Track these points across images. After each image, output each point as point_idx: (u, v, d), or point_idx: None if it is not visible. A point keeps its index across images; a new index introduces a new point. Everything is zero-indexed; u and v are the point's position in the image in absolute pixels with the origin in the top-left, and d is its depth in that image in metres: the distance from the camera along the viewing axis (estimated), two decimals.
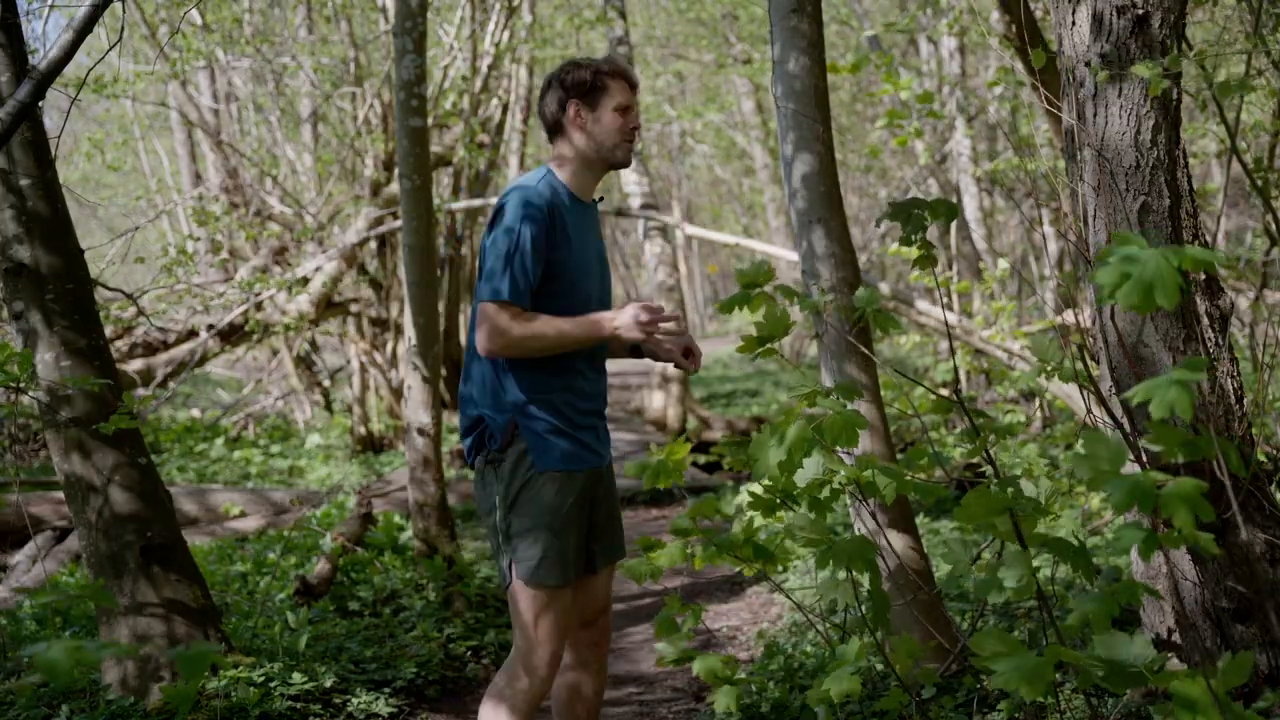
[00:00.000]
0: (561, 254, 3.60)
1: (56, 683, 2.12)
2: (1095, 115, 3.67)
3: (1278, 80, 7.59)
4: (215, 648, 2.24)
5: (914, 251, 3.45)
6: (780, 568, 4.04)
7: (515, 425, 3.62)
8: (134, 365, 11.53)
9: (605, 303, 3.81)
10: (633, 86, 3.70)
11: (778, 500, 3.50)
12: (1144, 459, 3.30)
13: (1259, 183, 5.34)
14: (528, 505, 3.60)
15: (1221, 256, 2.29)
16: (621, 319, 3.55)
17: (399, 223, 10.24)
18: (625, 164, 3.72)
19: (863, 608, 3.54)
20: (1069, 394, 8.21)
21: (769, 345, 3.56)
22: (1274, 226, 6.81)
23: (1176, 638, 3.74)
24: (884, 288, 10.61)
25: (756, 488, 3.53)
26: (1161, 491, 2.26)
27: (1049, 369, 3.44)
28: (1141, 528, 2.33)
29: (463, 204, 13.62)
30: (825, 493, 3.46)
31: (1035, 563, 2.94)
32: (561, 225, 3.61)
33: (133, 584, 4.98)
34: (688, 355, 3.84)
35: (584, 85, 3.65)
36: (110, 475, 4.95)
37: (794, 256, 5.60)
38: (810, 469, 3.35)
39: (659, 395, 15.08)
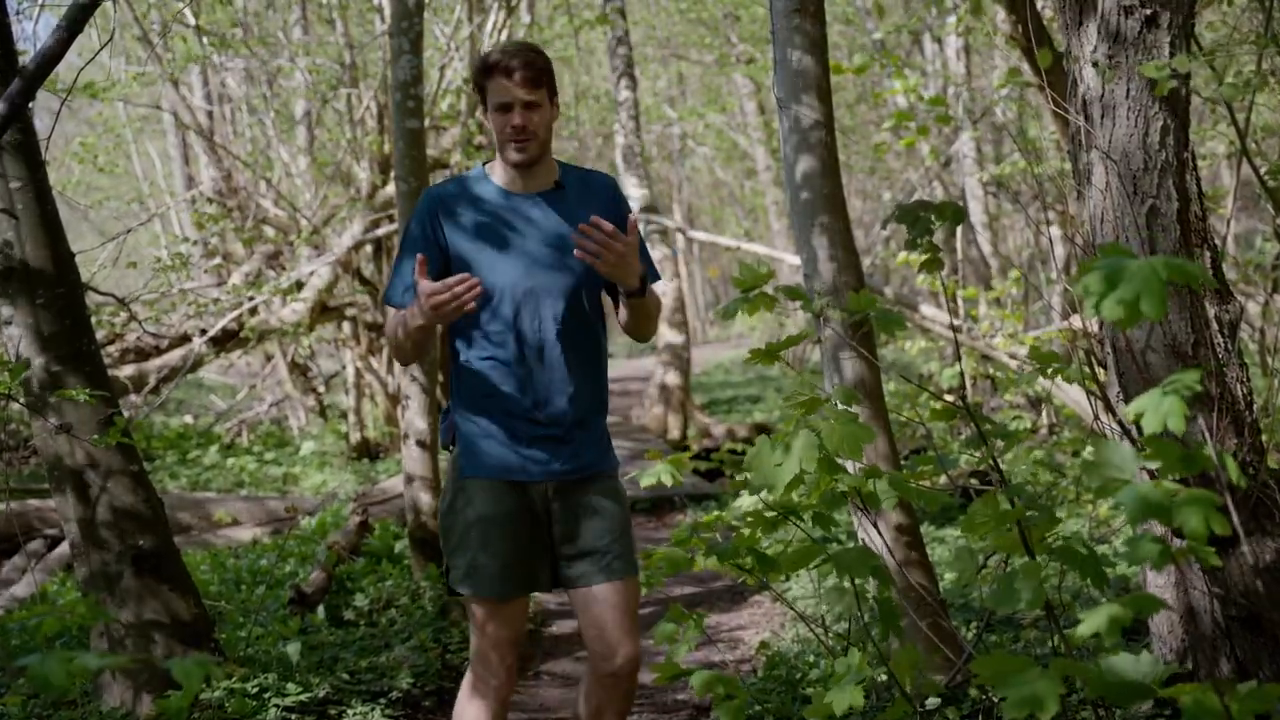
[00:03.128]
0: (461, 248, 3.53)
1: (48, 693, 2.12)
2: (1102, 117, 3.67)
3: None
4: (210, 658, 2.24)
5: (919, 258, 3.45)
6: (784, 576, 4.03)
7: (454, 425, 3.63)
8: (126, 370, 11.51)
9: (551, 306, 3.53)
10: (516, 80, 3.44)
11: (780, 515, 3.49)
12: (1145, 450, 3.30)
13: (1270, 185, 5.33)
14: (457, 510, 3.57)
15: (1200, 269, 2.29)
16: (419, 304, 3.35)
17: (395, 226, 10.25)
18: (517, 164, 3.53)
19: (865, 618, 3.53)
20: (1076, 400, 8.21)
21: (769, 350, 3.55)
22: None
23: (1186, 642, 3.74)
24: (888, 292, 10.61)
25: (749, 500, 3.54)
26: (1174, 502, 2.26)
27: (1050, 371, 3.44)
28: (1154, 539, 2.32)
29: None
30: (827, 502, 3.45)
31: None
32: (459, 217, 3.54)
33: (124, 594, 4.97)
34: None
35: (474, 84, 3.56)
36: (101, 483, 4.95)
37: (796, 260, 5.59)
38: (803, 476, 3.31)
39: (658, 402, 15.07)
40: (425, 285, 3.29)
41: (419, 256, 3.36)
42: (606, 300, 3.74)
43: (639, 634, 3.62)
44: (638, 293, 3.53)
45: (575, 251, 3.35)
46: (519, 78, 3.44)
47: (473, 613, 3.59)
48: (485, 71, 3.48)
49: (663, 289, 14.74)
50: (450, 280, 3.27)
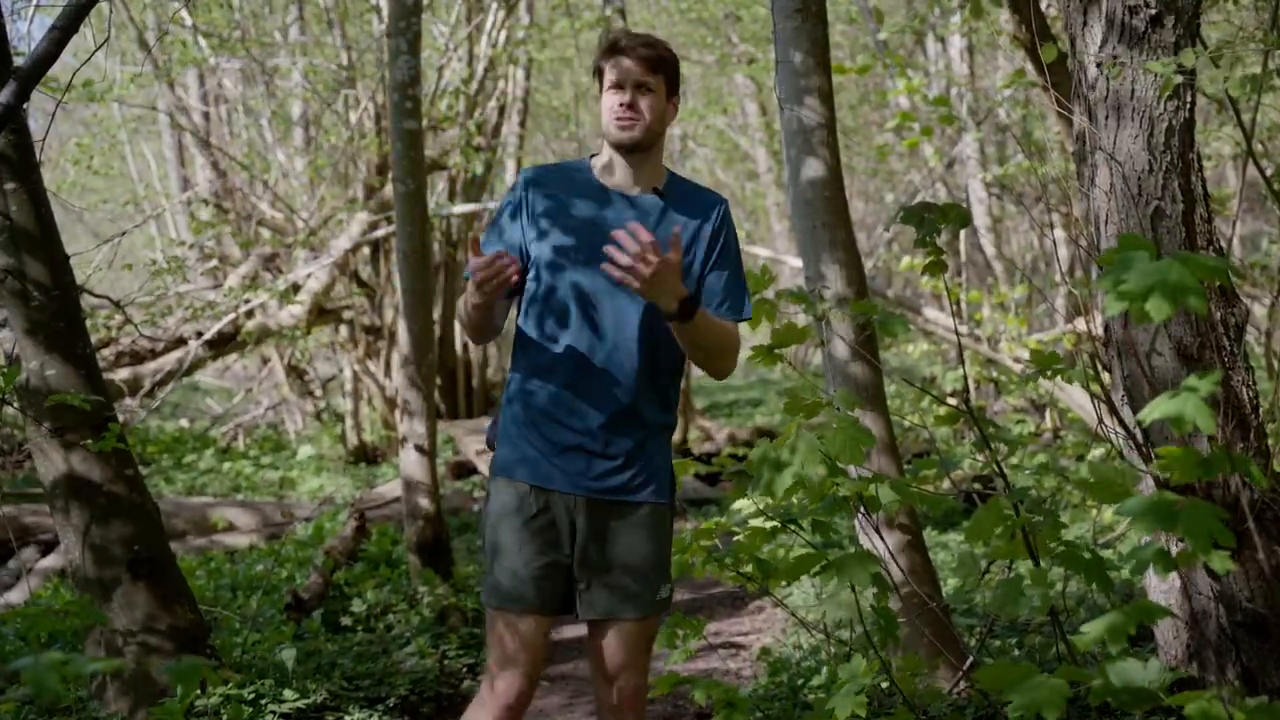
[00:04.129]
0: (540, 239, 3.44)
1: (43, 696, 2.11)
2: (1107, 118, 3.67)
3: None
4: (206, 662, 2.24)
5: (922, 262, 3.45)
6: (784, 582, 4.03)
7: (497, 423, 3.55)
8: (121, 374, 11.51)
9: (620, 316, 3.39)
10: (634, 59, 3.39)
11: (780, 523, 3.49)
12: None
13: (1276, 187, 5.34)
14: (486, 510, 3.48)
15: (1222, 264, 2.29)
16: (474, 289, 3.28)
17: (393, 228, 10.25)
18: (620, 144, 3.42)
19: (866, 624, 3.53)
20: (1080, 404, 8.21)
21: (771, 350, 3.55)
22: None
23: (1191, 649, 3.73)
24: (890, 294, 10.61)
25: (748, 505, 3.53)
26: (1179, 513, 2.26)
27: (1053, 373, 3.44)
28: (1158, 547, 2.33)
29: (459, 209, 13.62)
30: (829, 507, 3.45)
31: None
32: (543, 206, 3.45)
33: (120, 600, 4.96)
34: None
35: (594, 68, 3.51)
36: (97, 487, 4.94)
37: (798, 262, 5.59)
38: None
39: None
40: (475, 261, 3.22)
41: (472, 238, 3.29)
42: None
43: (648, 668, 3.49)
44: (677, 316, 3.27)
45: (601, 265, 3.20)
46: (638, 54, 3.40)
47: (488, 622, 3.45)
48: (606, 52, 3.45)
49: None
50: (490, 255, 3.21)
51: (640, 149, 3.45)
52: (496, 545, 3.39)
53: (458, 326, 14.84)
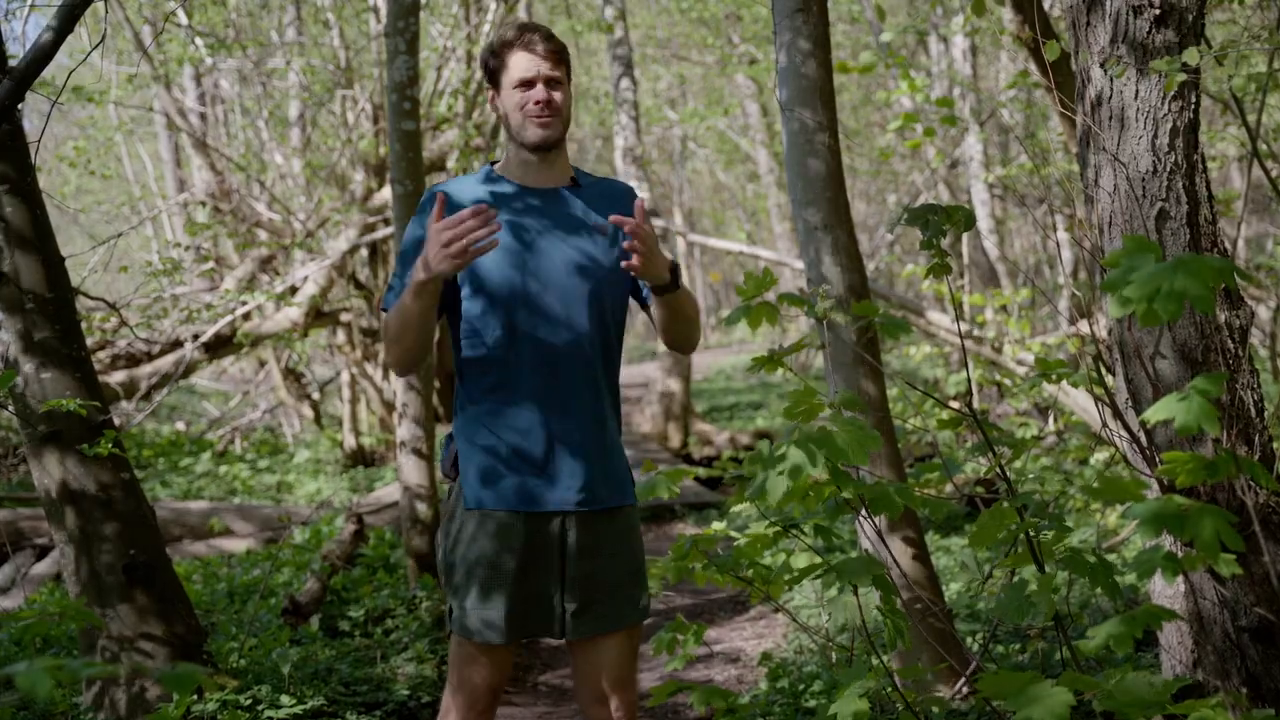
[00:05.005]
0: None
1: (37, 697, 2.11)
2: (1111, 118, 3.67)
3: None
4: (201, 668, 2.24)
5: (925, 266, 3.44)
6: (786, 588, 4.03)
7: (456, 452, 3.40)
8: (116, 377, 11.51)
9: (571, 313, 3.31)
10: (541, 53, 3.29)
11: (782, 528, 3.49)
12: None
13: None
14: (455, 543, 3.32)
15: (1229, 265, 2.30)
16: (425, 254, 3.08)
17: (391, 230, 10.25)
18: (536, 146, 3.31)
19: (869, 628, 3.53)
20: (1084, 407, 8.21)
21: (773, 357, 3.54)
22: None
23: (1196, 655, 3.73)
24: (892, 297, 10.61)
25: (747, 507, 3.52)
26: (1186, 517, 2.26)
27: (1056, 376, 3.44)
28: (1163, 551, 2.33)
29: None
30: (830, 511, 3.45)
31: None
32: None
33: (115, 604, 4.96)
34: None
35: (486, 68, 3.38)
36: (92, 491, 4.94)
37: (799, 264, 5.59)
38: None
39: (659, 409, 15.07)
40: (439, 224, 3.03)
41: (438, 195, 3.14)
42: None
43: (636, 680, 3.45)
44: (671, 286, 3.27)
45: (617, 257, 3.16)
46: (542, 50, 3.30)
47: (455, 650, 3.34)
48: (503, 48, 3.32)
49: None
50: (464, 213, 3.01)
51: (557, 146, 3.37)
52: (470, 581, 3.27)
53: None
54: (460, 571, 3.30)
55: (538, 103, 3.29)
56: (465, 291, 3.32)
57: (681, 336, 3.47)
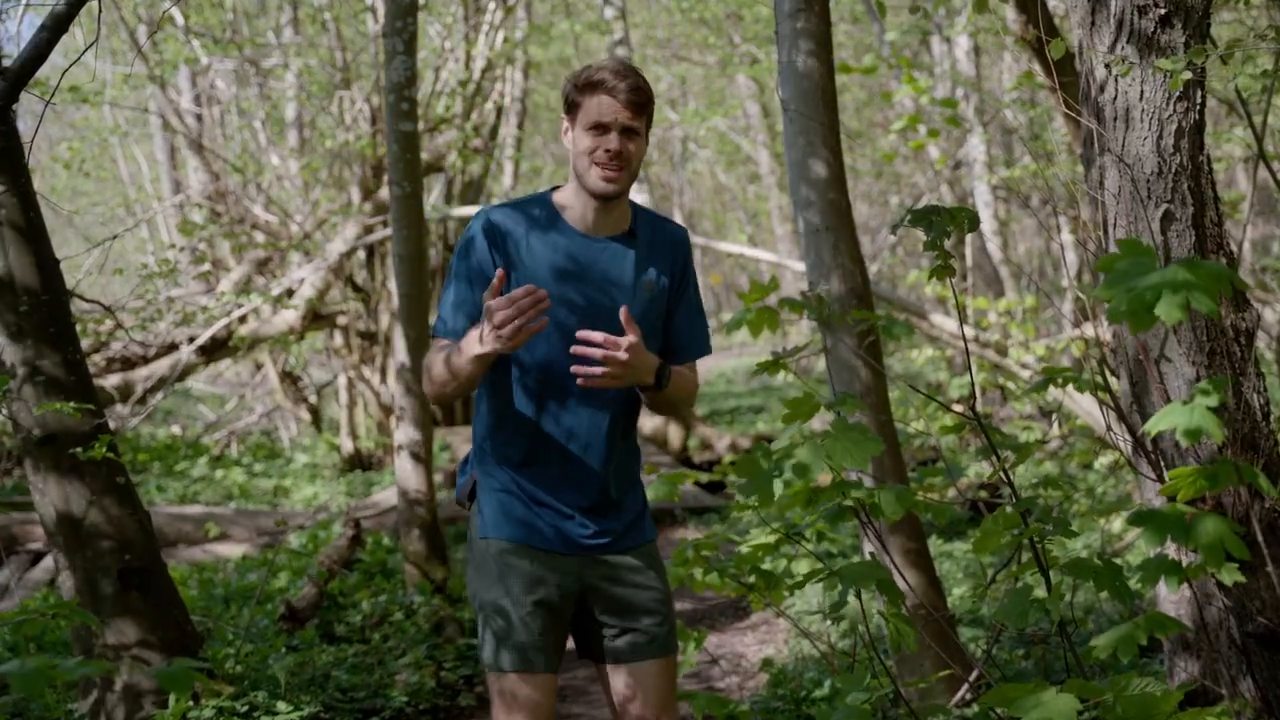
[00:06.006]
0: (511, 288, 3.16)
1: (31, 698, 2.12)
2: (1115, 119, 3.67)
3: None
4: (198, 663, 2.24)
5: (927, 270, 3.44)
6: (787, 593, 4.03)
7: (475, 481, 3.39)
8: (112, 380, 11.50)
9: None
10: (622, 100, 3.19)
11: (784, 534, 3.48)
12: (1166, 479, 3.29)
13: None
14: (477, 573, 3.32)
15: (1229, 272, 2.29)
16: (480, 331, 3.03)
17: (388, 231, 10.25)
18: (598, 194, 3.23)
19: (871, 633, 3.53)
20: (1088, 410, 8.21)
21: (778, 361, 3.54)
22: None
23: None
24: (894, 299, 10.60)
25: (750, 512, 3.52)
26: (1191, 525, 2.26)
27: (1061, 380, 3.43)
28: (1170, 558, 2.33)
29: (456, 212, 13.63)
30: (832, 517, 3.44)
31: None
32: (520, 251, 3.25)
33: (110, 609, 4.96)
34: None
35: (565, 97, 3.28)
36: (87, 496, 4.94)
37: (800, 267, 5.60)
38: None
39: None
40: (494, 302, 2.96)
41: (499, 272, 3.02)
42: None
43: (676, 708, 3.41)
44: (655, 387, 3.21)
45: (579, 378, 3.06)
46: (625, 99, 3.18)
47: (492, 685, 3.29)
48: (586, 87, 3.21)
49: None
50: (517, 293, 2.94)
51: (620, 197, 3.28)
52: (498, 611, 3.24)
53: None
54: (484, 599, 3.28)
55: (608, 151, 3.19)
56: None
57: (664, 414, 3.45)
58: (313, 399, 16.44)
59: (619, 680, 3.34)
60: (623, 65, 3.27)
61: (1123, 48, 3.63)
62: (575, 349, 3.02)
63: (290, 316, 12.72)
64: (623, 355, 3.04)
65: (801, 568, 4.74)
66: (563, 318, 3.21)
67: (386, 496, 10.07)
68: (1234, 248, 3.88)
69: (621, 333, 3.11)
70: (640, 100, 3.21)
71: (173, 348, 12.01)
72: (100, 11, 5.21)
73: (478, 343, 3.02)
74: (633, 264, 3.31)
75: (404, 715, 5.58)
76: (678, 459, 13.95)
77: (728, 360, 29.58)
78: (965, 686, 4.31)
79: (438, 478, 11.11)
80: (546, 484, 3.28)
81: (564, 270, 3.25)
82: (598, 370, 3.02)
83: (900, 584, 4.47)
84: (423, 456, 7.42)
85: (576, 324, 3.18)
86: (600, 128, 3.19)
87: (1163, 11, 3.58)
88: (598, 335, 3.00)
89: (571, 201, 3.31)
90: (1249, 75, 4.51)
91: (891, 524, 4.62)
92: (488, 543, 3.29)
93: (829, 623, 6.27)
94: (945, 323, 10.10)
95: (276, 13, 16.05)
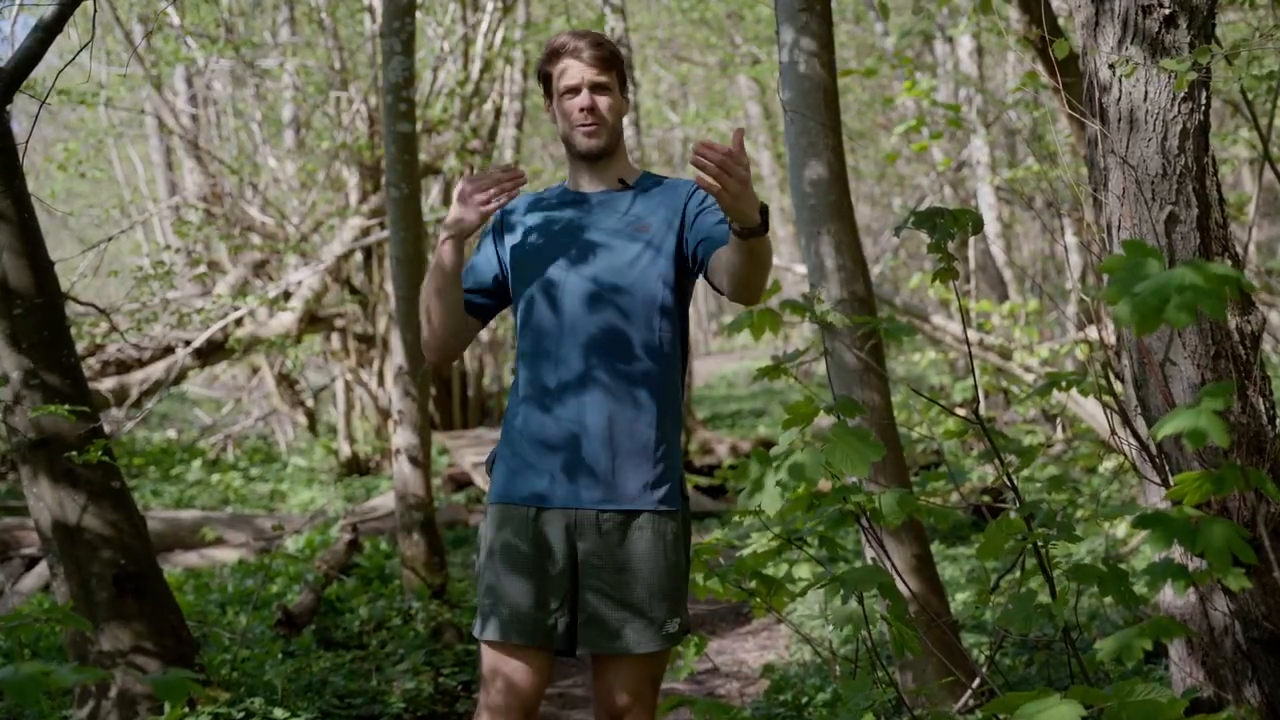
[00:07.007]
0: (516, 250, 3.42)
1: (25, 703, 2.11)
2: (1120, 120, 3.67)
3: None
4: (193, 674, 2.23)
5: (930, 273, 3.43)
6: (789, 598, 4.02)
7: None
8: (107, 383, 11.51)
9: (607, 303, 3.29)
10: (586, 60, 3.33)
11: (786, 539, 3.48)
12: (1171, 483, 3.29)
13: None
14: (480, 540, 3.37)
15: (1234, 273, 2.29)
16: (449, 215, 3.27)
17: (386, 234, 10.25)
18: (585, 153, 3.37)
19: (873, 639, 3.53)
20: (1092, 414, 8.21)
21: (779, 366, 3.54)
22: None
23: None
24: (897, 301, 10.60)
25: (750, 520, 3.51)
26: (1197, 529, 2.26)
27: (1065, 384, 3.43)
28: (1175, 563, 2.33)
29: None
30: (833, 522, 3.44)
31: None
32: (518, 224, 3.46)
33: (105, 615, 4.96)
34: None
35: (539, 77, 3.45)
36: (81, 500, 4.93)
37: (802, 269, 5.59)
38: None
39: None
40: (467, 179, 3.23)
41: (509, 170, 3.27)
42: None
43: (655, 708, 3.33)
44: (760, 229, 3.00)
45: (695, 176, 2.89)
46: (588, 57, 3.33)
47: (482, 658, 3.28)
48: (551, 56, 3.38)
49: None
50: (492, 168, 3.16)
51: (607, 154, 3.40)
52: (493, 575, 3.23)
53: None
54: (483, 563, 3.30)
55: (582, 109, 3.34)
56: (514, 290, 3.44)
57: (753, 285, 3.21)
58: (310, 402, 16.44)
59: (596, 667, 3.32)
60: (580, 30, 3.44)
61: (1127, 48, 3.63)
62: (693, 158, 2.84)
63: (287, 319, 12.72)
64: (741, 169, 2.86)
65: (803, 573, 4.74)
66: (555, 273, 3.35)
67: (385, 501, 10.07)
68: (1239, 250, 3.88)
69: (625, 285, 3.30)
70: (603, 54, 3.36)
71: (168, 351, 12.01)
72: (95, 11, 5.21)
73: (448, 226, 3.26)
74: (625, 205, 3.41)
75: None
76: None
77: (729, 363, 29.58)
78: (968, 692, 4.31)
79: (436, 482, 11.12)
80: (549, 402, 3.29)
81: (555, 222, 3.42)
82: (712, 169, 2.83)
83: (902, 589, 4.47)
84: (421, 461, 7.41)
85: (568, 270, 3.32)
86: (572, 90, 3.36)
87: (1167, 11, 3.58)
88: (720, 145, 2.87)
89: (570, 175, 3.50)
90: (1254, 76, 4.50)
91: (893, 529, 4.62)
92: (492, 508, 3.33)
93: (831, 628, 6.27)
94: (948, 325, 10.11)
95: (273, 12, 16.05)
